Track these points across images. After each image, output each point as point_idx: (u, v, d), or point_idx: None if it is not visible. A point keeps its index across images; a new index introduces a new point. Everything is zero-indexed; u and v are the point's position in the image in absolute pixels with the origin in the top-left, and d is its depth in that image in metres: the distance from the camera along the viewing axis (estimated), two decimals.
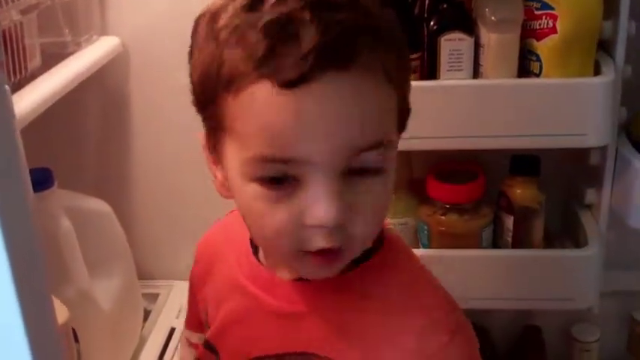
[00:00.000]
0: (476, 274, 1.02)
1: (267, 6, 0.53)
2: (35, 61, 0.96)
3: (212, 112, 0.57)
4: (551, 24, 0.95)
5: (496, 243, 1.08)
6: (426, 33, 0.98)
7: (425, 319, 0.60)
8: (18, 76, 0.91)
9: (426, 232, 1.07)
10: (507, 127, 0.97)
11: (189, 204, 1.28)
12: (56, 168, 0.95)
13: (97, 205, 1.07)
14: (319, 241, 0.55)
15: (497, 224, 1.07)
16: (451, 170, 1.07)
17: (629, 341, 1.24)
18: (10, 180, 0.39)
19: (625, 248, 1.17)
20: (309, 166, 0.53)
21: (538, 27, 0.96)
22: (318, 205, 0.53)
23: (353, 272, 0.62)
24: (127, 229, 1.13)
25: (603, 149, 1.02)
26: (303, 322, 0.62)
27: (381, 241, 0.64)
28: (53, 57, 1.02)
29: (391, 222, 1.06)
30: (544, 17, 0.95)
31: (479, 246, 1.06)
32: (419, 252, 0.95)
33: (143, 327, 1.17)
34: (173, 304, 1.25)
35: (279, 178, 0.54)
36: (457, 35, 0.95)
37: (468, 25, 0.97)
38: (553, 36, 0.95)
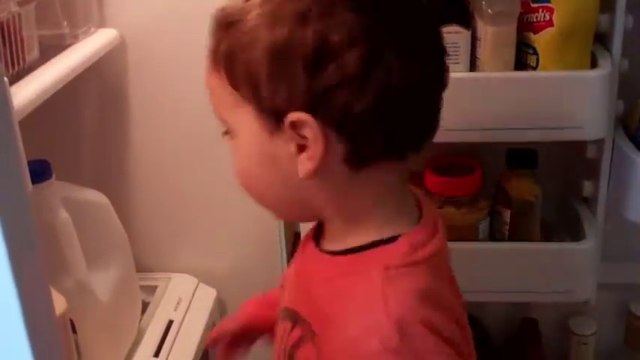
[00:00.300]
0: (473, 266, 1.02)
1: None
2: (33, 53, 0.96)
3: None
4: (547, 17, 0.95)
5: (493, 236, 1.08)
6: None
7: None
8: (16, 68, 0.91)
9: None
10: (504, 120, 0.97)
11: (188, 197, 1.28)
12: (54, 160, 0.95)
13: (95, 196, 1.07)
14: None
15: (494, 217, 1.08)
16: (448, 163, 1.07)
17: (627, 334, 1.24)
18: (9, 172, 0.39)
19: (622, 241, 1.17)
20: None
21: (535, 20, 0.96)
22: None
23: (346, 257, 0.65)
24: (125, 221, 1.12)
25: (600, 142, 1.02)
26: (299, 285, 0.70)
27: (383, 241, 0.64)
28: (51, 49, 1.02)
29: None
30: (541, 10, 0.95)
31: (476, 239, 1.06)
32: None
33: (141, 319, 1.17)
34: (171, 296, 1.25)
35: None
36: (454, 28, 0.95)
37: (464, 18, 0.97)
38: (550, 29, 0.95)
